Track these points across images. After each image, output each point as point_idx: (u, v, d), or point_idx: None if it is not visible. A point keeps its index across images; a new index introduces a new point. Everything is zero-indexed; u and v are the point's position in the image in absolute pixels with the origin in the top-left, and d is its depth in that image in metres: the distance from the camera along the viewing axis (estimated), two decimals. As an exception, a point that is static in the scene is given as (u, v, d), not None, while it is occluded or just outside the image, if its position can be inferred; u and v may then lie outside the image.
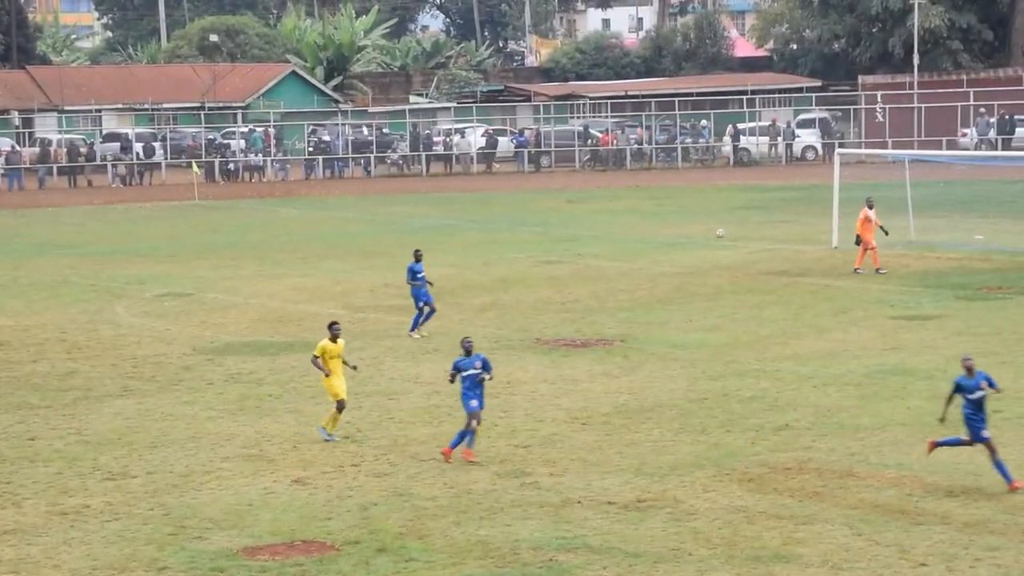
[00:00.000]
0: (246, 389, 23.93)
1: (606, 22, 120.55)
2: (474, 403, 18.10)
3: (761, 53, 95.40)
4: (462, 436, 18.12)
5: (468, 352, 18.53)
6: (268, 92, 79.12)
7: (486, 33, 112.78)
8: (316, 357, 20.24)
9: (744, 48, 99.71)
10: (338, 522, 16.05)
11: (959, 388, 17.09)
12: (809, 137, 72.48)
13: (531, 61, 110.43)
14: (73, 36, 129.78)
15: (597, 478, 17.42)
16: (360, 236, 48.25)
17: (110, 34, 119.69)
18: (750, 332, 27.96)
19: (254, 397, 23.31)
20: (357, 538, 15.41)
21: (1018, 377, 22.49)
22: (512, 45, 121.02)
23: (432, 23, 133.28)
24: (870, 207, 35.02)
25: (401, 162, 72.72)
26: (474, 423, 17.90)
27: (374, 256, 42.26)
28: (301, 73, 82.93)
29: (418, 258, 28.30)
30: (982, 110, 69.68)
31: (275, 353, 27.34)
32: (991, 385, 17.09)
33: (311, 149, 71.89)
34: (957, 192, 53.27)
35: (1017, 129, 68.57)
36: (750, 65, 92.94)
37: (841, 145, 64.42)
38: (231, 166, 70.95)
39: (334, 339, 20.14)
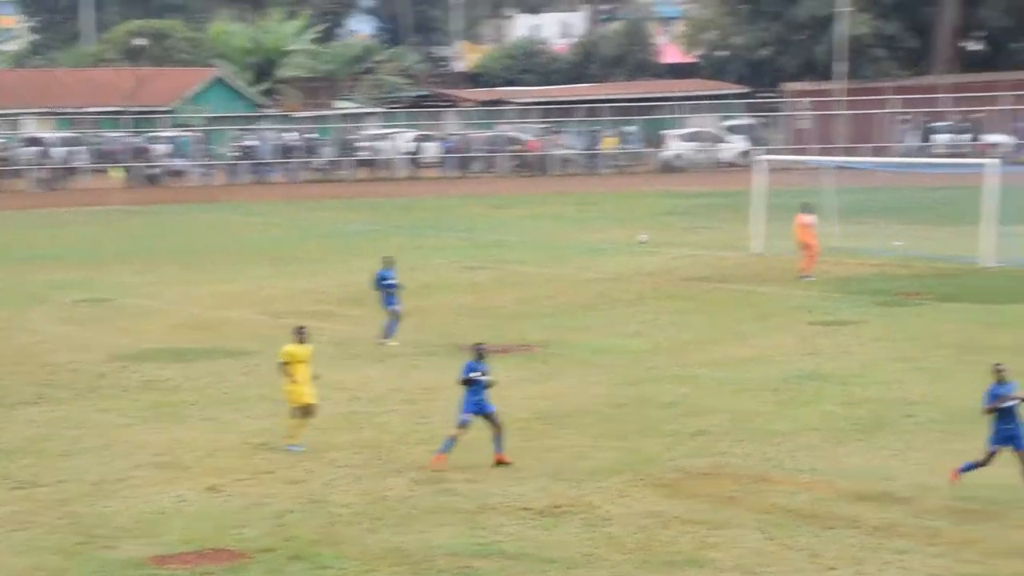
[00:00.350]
0: (161, 396, 23.70)
1: (535, 28, 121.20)
2: (468, 416, 18.04)
3: (689, 59, 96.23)
4: (449, 445, 18.11)
5: (481, 357, 18.33)
6: (195, 97, 78.75)
7: (415, 38, 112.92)
8: (284, 363, 19.74)
9: (673, 55, 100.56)
10: (252, 530, 15.95)
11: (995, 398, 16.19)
12: (740, 143, 73.47)
13: (460, 66, 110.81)
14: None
15: (514, 484, 17.45)
16: (283, 242, 48.06)
17: (36, 37, 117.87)
18: (671, 338, 28.16)
19: (169, 404, 23.10)
20: (270, 546, 15.31)
21: (933, 382, 22.97)
22: (441, 50, 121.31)
23: (362, 28, 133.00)
24: (806, 213, 35.51)
25: (327, 167, 72.75)
26: (460, 434, 17.93)
27: (296, 262, 42.15)
28: (228, 78, 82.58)
29: (388, 264, 28.04)
30: (907, 117, 70.81)
31: (192, 359, 27.17)
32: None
33: (237, 154, 71.58)
34: (881, 198, 53.70)
35: (939, 136, 69.90)
36: (678, 71, 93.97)
37: (767, 152, 65.01)
38: (154, 171, 70.56)
39: (301, 342, 19.76)
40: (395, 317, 27.60)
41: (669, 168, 73.06)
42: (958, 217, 42.43)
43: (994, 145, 66.67)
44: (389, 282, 27.80)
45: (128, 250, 45.95)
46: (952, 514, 15.58)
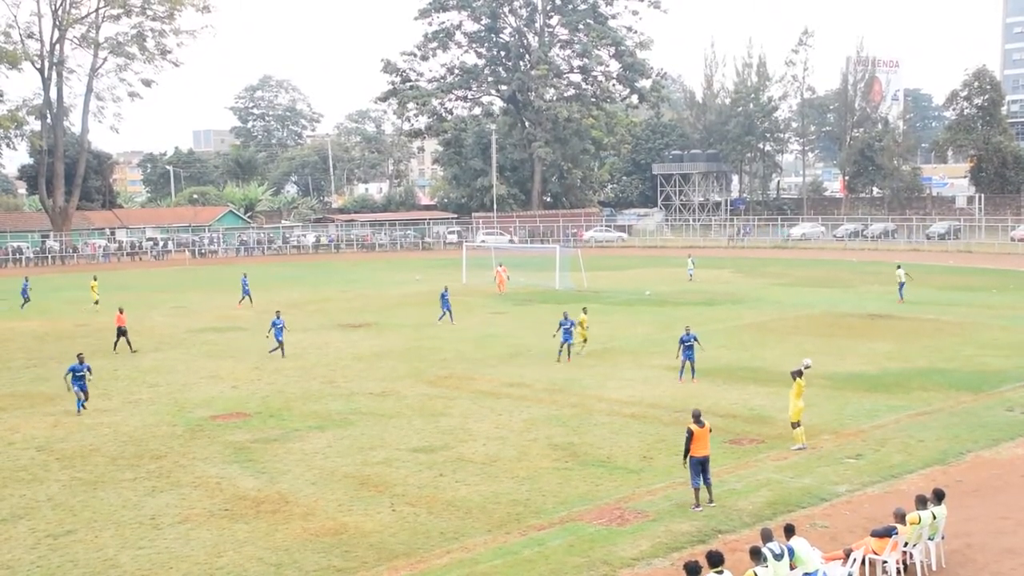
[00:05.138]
0: (210, 347, 43.10)
1: (366, 188, 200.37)
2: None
3: (431, 202, 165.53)
4: None
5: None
6: (218, 219, 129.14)
7: (314, 193, 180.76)
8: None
9: (424, 199, 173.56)
10: (251, 404, 31.54)
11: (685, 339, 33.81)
12: (453, 236, 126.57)
13: (335, 205, 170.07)
14: None
15: (366, 382, 34.73)
16: (257, 280, 70.05)
17: (149, 192, 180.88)
18: (434, 316, 49.47)
19: (213, 351, 41.57)
20: (259, 411, 30.48)
21: (537, 337, 44.03)
22: (326, 198, 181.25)
23: (290, 188, 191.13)
24: (500, 265, 62.89)
25: (278, 248, 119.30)
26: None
27: (263, 289, 66.70)
28: (233, 211, 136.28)
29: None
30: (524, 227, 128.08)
31: (223, 331, 48.11)
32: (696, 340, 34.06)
33: (237, 243, 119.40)
34: (522, 260, 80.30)
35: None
36: (427, 207, 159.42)
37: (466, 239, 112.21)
38: (203, 251, 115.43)
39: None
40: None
41: (428, 248, 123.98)
42: (549, 267, 71.11)
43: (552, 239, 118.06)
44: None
45: (190, 285, 70.15)
46: (544, 389, 33.54)
